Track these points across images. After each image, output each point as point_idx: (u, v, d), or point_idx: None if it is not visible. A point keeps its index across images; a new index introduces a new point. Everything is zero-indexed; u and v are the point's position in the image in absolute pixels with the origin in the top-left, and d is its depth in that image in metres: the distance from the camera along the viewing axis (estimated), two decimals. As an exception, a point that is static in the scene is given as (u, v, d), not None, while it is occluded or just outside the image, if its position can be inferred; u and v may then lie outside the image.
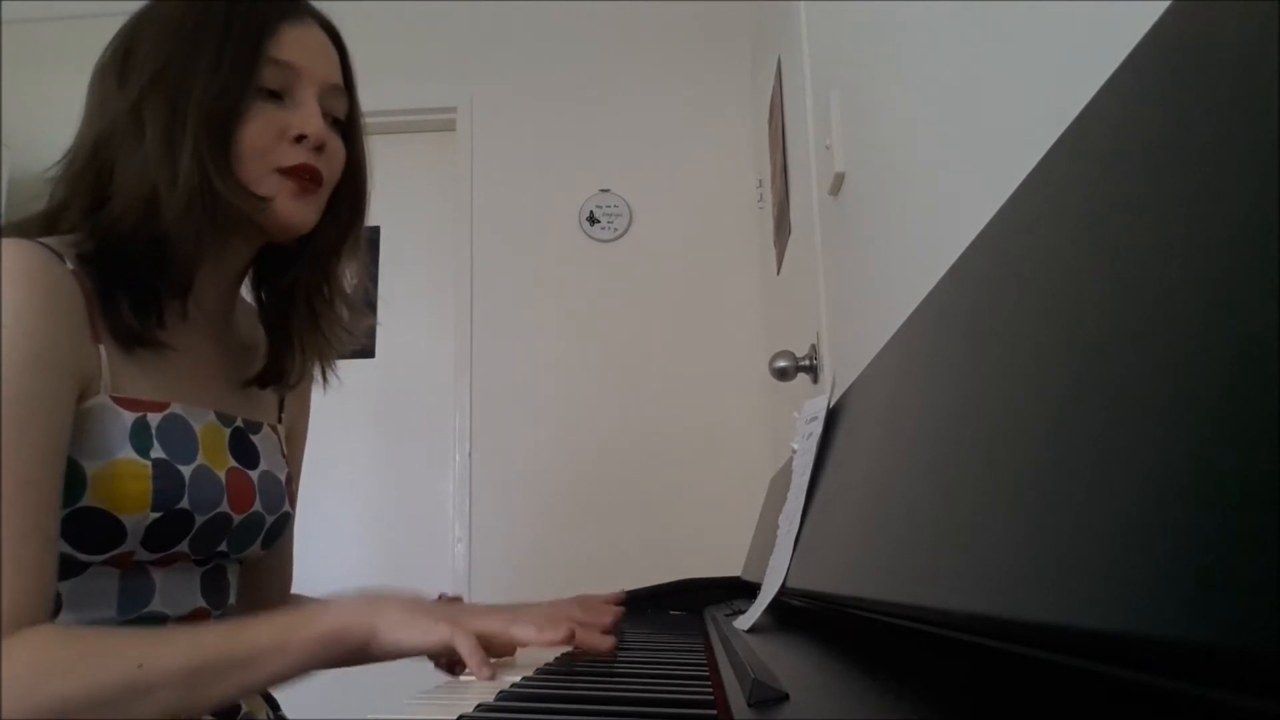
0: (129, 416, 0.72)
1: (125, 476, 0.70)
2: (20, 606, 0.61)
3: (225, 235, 0.80)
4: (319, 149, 0.80)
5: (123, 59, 0.76)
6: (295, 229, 0.80)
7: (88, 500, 0.68)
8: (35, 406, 0.64)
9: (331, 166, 0.82)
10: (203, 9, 0.77)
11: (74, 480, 0.68)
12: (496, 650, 0.66)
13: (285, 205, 0.78)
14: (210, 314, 0.84)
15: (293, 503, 0.89)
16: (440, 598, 1.02)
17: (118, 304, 0.73)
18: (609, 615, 0.74)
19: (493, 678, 0.61)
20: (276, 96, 0.78)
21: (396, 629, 0.65)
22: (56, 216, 0.75)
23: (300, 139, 0.78)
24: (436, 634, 0.64)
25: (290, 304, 0.88)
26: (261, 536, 0.84)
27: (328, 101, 0.81)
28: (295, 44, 0.79)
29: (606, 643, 0.69)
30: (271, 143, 0.77)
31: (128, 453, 0.70)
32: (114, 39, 0.79)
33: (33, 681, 0.58)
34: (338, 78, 0.83)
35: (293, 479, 0.91)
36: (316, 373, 0.95)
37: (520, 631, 0.65)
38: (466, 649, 0.62)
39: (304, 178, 0.79)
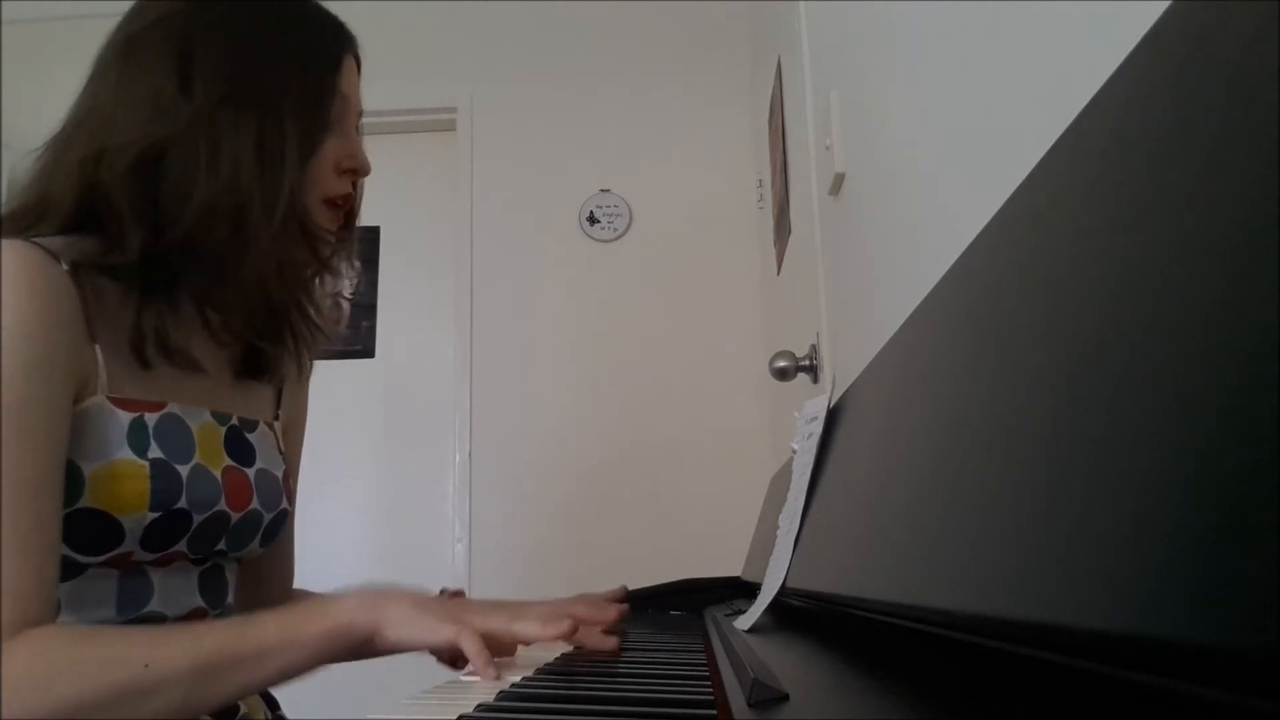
0: (126, 417, 0.71)
1: (123, 477, 0.70)
2: (25, 608, 0.61)
3: None
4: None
5: (180, 60, 0.73)
6: (328, 254, 0.82)
7: (86, 501, 0.68)
8: (35, 409, 0.64)
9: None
10: (276, 25, 0.76)
11: (72, 481, 0.68)
12: (500, 649, 0.66)
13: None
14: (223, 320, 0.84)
15: (291, 500, 0.89)
16: (442, 592, 1.01)
17: (159, 318, 0.73)
18: (612, 612, 0.74)
19: (497, 677, 0.61)
20: (333, 125, 0.79)
21: (402, 625, 0.65)
22: (45, 210, 0.72)
23: (348, 171, 0.81)
24: (442, 633, 0.64)
25: (276, 308, 0.88)
26: (260, 535, 0.84)
27: (356, 128, 0.84)
28: (349, 75, 0.82)
29: (610, 642, 0.69)
30: (327, 174, 0.79)
31: (125, 453, 0.70)
32: (155, 28, 0.74)
33: (39, 683, 0.58)
34: (360, 105, 0.85)
35: (290, 476, 0.91)
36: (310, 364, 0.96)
37: (524, 628, 0.65)
38: (472, 649, 0.62)
39: (339, 207, 0.82)
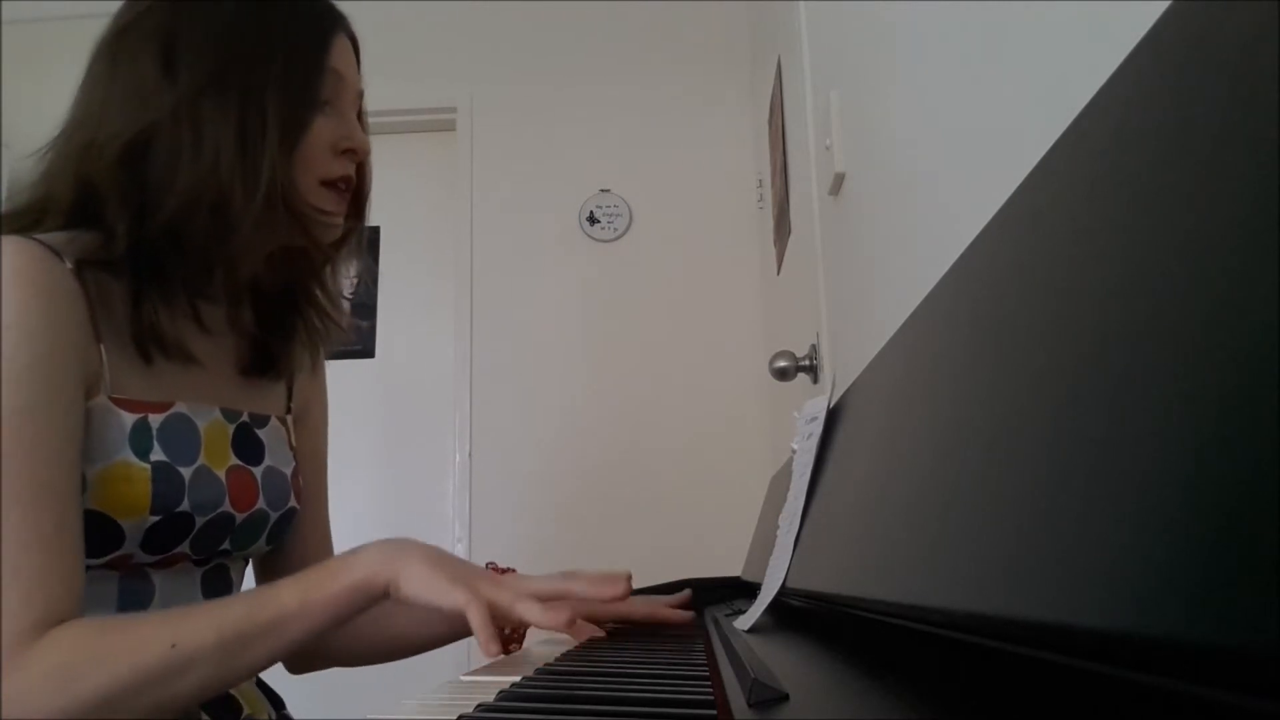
0: (129, 418, 0.71)
1: (124, 479, 0.70)
2: (54, 605, 0.61)
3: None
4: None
5: (163, 48, 0.72)
6: (330, 238, 0.81)
7: (87, 503, 0.68)
8: (47, 407, 0.64)
9: (359, 173, 0.83)
10: (259, 9, 0.75)
11: None
12: (505, 623, 0.66)
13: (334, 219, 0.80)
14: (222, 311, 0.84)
15: (299, 497, 0.89)
16: (488, 566, 1.00)
17: (152, 311, 0.73)
18: (609, 589, 0.72)
19: (497, 654, 0.63)
20: (324, 106, 0.78)
21: (416, 583, 0.65)
22: (46, 209, 0.73)
23: (347, 152, 0.79)
24: (452, 597, 0.64)
25: (286, 300, 0.88)
26: (266, 534, 0.84)
27: (354, 108, 0.83)
28: (342, 54, 0.80)
29: (617, 589, 0.69)
30: (323, 154, 0.78)
31: (126, 455, 0.70)
32: (140, 20, 0.75)
33: (69, 676, 0.59)
34: (360, 84, 0.84)
35: (300, 473, 0.90)
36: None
37: (525, 610, 0.65)
38: (478, 621, 0.63)
39: (341, 189, 0.80)
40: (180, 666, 0.61)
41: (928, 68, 0.84)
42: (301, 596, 0.65)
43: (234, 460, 0.80)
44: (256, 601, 0.65)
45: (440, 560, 0.67)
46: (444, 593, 0.65)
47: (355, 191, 0.85)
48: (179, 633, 0.62)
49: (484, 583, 0.66)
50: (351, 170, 0.81)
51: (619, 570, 0.76)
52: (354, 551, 0.68)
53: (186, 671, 0.61)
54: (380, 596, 0.67)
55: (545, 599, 0.67)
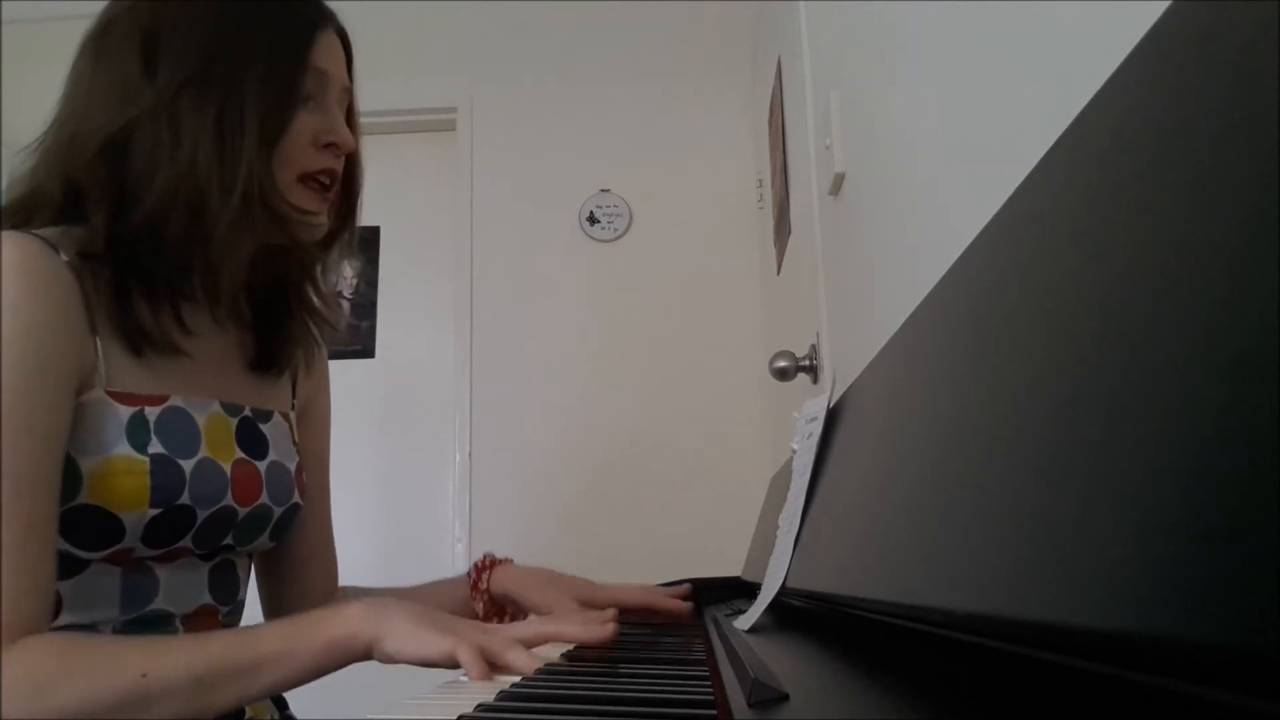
0: (125, 411, 0.71)
1: (121, 473, 0.69)
2: (20, 612, 0.61)
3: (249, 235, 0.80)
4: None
5: (144, 45, 0.73)
6: (312, 237, 0.81)
7: (85, 498, 0.68)
8: (32, 405, 0.63)
9: (342, 167, 0.83)
10: (241, 8, 0.75)
11: (71, 477, 0.67)
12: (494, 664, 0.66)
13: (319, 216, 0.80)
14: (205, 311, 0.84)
15: (303, 493, 0.88)
16: (485, 557, 1.00)
17: (134, 306, 0.73)
18: (601, 633, 0.72)
19: (490, 679, 0.61)
20: (306, 102, 0.78)
21: (400, 639, 0.65)
22: (37, 204, 0.73)
23: (330, 146, 0.79)
24: (439, 647, 0.63)
25: (279, 296, 0.88)
26: (269, 529, 0.84)
27: (341, 103, 0.82)
28: (327, 51, 0.80)
29: (605, 630, 0.69)
30: (303, 150, 0.77)
31: (124, 448, 0.70)
32: (124, 16, 0.75)
33: (34, 692, 0.58)
34: (348, 80, 0.84)
35: (303, 469, 0.90)
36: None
37: (515, 659, 0.64)
38: (469, 661, 0.62)
39: (324, 183, 0.79)
40: (149, 697, 0.60)
41: (928, 68, 0.84)
42: (281, 645, 0.64)
43: (239, 454, 0.80)
44: (235, 642, 0.64)
45: (422, 616, 0.66)
46: (430, 644, 0.64)
47: (345, 190, 0.85)
48: (152, 663, 0.61)
49: (471, 630, 0.66)
50: (334, 164, 0.80)
51: (606, 611, 0.77)
52: (337, 607, 0.67)
53: (154, 703, 0.60)
54: (360, 655, 0.66)
55: (534, 645, 0.67)
